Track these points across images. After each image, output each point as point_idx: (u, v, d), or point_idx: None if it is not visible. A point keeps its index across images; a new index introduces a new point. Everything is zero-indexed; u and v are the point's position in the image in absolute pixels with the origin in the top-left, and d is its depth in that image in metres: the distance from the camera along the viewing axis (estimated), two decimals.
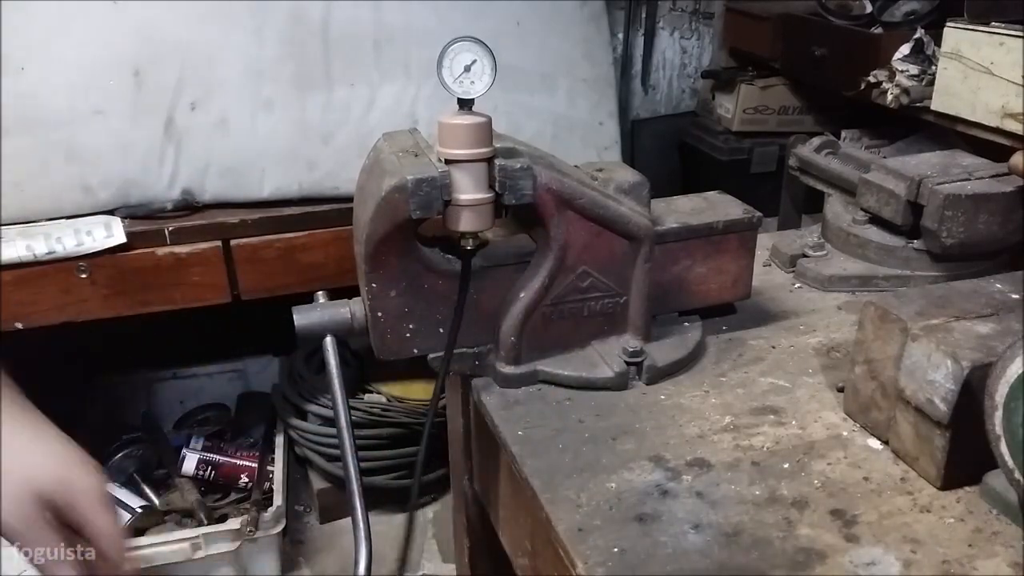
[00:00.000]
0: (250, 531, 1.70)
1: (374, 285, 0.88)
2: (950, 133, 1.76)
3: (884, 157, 1.36)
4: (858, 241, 1.19)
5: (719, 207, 1.02)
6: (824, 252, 1.22)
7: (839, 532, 0.73)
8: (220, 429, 2.17)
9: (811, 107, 2.53)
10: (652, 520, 0.74)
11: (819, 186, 1.35)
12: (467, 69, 0.81)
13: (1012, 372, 0.67)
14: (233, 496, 1.99)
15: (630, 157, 2.61)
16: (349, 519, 0.90)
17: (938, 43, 1.73)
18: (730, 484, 0.79)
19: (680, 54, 2.75)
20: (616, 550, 0.71)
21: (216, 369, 2.32)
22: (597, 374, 0.93)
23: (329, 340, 0.91)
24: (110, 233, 1.53)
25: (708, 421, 0.88)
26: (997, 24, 1.58)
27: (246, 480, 1.96)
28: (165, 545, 1.65)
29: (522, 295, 0.91)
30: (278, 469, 1.92)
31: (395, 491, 1.99)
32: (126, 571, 0.77)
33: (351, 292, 0.95)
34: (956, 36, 1.65)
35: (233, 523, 1.71)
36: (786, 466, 0.81)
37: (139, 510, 1.80)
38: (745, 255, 1.02)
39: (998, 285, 0.86)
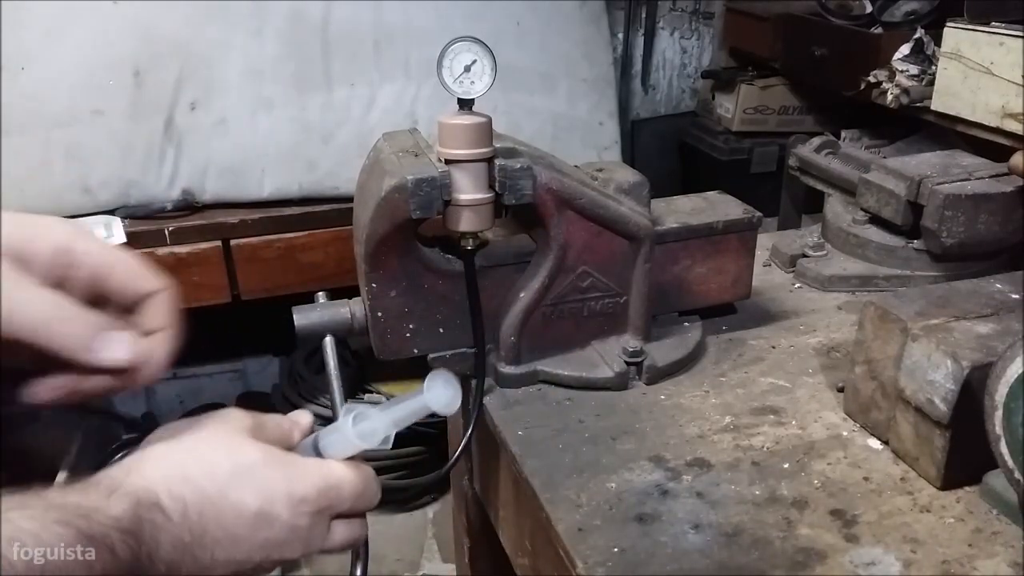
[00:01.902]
0: None
1: (374, 285, 0.88)
2: (950, 133, 1.76)
3: (884, 157, 1.35)
4: (858, 241, 1.19)
5: (719, 207, 1.02)
6: (824, 252, 1.22)
7: (839, 532, 0.73)
8: None
9: (811, 107, 2.53)
10: (652, 520, 0.74)
11: (819, 186, 1.35)
12: (467, 69, 0.81)
13: (1012, 372, 0.67)
14: None
15: (630, 157, 2.61)
16: None
17: (938, 43, 1.74)
18: (730, 484, 0.79)
19: (680, 54, 2.75)
20: (616, 550, 0.71)
21: (216, 369, 2.32)
22: (597, 374, 0.93)
23: (328, 340, 0.90)
24: (110, 233, 1.53)
25: (708, 421, 0.88)
26: (997, 24, 1.58)
27: None
28: None
29: (522, 295, 0.91)
30: None
31: (395, 491, 1.99)
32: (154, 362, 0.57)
33: (351, 292, 0.95)
34: (956, 36, 1.65)
35: None
36: (786, 466, 0.81)
37: None
38: (745, 255, 1.02)
39: (998, 285, 0.86)
